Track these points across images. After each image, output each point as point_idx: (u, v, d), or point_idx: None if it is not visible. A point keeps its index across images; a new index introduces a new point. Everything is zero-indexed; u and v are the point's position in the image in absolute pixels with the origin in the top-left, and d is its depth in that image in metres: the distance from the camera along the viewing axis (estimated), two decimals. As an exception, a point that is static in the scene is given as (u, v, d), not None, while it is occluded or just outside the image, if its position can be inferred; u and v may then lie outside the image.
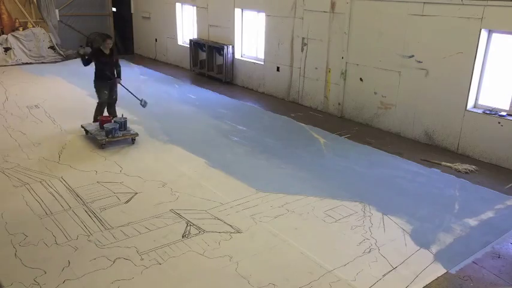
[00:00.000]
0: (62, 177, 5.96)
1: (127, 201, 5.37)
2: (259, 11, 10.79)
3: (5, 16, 13.64)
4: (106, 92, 7.69)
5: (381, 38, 8.15)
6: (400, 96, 8.04)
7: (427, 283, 4.09)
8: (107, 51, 7.55)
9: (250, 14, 11.21)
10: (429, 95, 7.58)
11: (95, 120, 7.71)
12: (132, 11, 15.59)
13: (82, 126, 7.47)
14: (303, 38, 9.65)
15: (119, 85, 7.83)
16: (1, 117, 8.36)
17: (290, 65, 10.14)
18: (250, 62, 11.35)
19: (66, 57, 14.30)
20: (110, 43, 7.54)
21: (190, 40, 12.73)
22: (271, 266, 4.26)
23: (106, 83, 7.64)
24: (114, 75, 7.73)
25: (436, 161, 6.97)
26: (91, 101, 9.69)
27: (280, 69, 10.44)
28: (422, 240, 4.78)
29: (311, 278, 4.09)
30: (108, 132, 7.00)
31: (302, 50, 9.75)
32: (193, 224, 4.91)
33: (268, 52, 10.64)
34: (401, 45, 7.84)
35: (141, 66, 13.77)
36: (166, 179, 6.00)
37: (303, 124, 8.68)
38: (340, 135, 8.13)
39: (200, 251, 4.44)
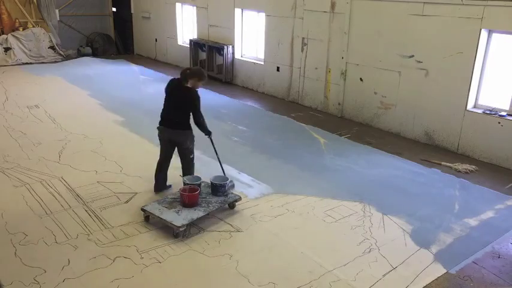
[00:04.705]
0: (62, 177, 5.95)
1: (127, 201, 5.36)
2: (259, 11, 10.79)
3: (5, 16, 13.63)
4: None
5: (381, 38, 8.15)
6: (400, 96, 8.04)
7: (427, 283, 4.09)
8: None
9: (250, 14, 11.21)
10: (429, 95, 7.58)
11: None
12: (132, 11, 15.58)
13: (142, 209, 4.92)
14: (303, 38, 9.65)
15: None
16: (1, 117, 8.35)
17: (290, 65, 10.14)
18: (250, 62, 11.35)
19: (66, 57, 14.30)
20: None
21: (190, 40, 12.73)
22: (271, 265, 4.26)
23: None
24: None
25: (436, 161, 6.97)
26: (91, 101, 9.72)
27: (280, 69, 10.44)
28: (422, 240, 4.78)
29: (311, 277, 4.09)
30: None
31: (302, 50, 9.75)
32: (193, 223, 4.90)
33: (268, 52, 10.64)
34: (401, 45, 7.84)
35: (141, 66, 13.76)
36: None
37: (303, 124, 8.68)
38: (340, 135, 8.13)
39: (200, 249, 4.44)
